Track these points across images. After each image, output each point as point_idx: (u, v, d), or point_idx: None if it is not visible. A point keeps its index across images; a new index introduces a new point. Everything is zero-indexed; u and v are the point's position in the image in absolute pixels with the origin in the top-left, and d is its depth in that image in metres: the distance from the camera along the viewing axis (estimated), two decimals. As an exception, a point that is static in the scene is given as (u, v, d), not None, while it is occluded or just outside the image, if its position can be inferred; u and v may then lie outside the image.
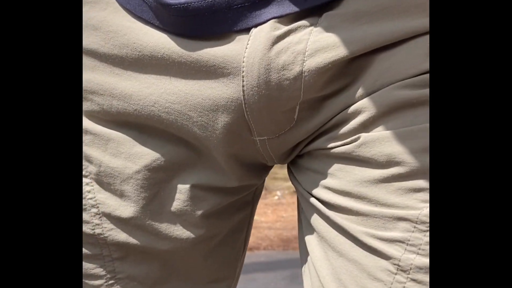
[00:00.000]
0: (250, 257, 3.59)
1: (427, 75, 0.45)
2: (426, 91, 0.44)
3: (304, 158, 0.52)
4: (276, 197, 4.50)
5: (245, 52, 0.45)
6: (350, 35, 0.44)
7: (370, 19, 0.44)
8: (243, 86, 0.46)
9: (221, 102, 0.47)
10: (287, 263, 3.02)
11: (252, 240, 3.91)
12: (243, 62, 0.45)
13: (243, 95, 0.46)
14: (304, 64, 0.44)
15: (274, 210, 4.22)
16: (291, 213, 4.16)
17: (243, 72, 0.45)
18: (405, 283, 0.44)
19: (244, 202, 0.58)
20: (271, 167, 0.56)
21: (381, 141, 0.44)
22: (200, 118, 0.48)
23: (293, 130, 0.49)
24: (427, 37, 0.45)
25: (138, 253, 0.54)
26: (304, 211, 0.52)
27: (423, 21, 0.45)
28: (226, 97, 0.47)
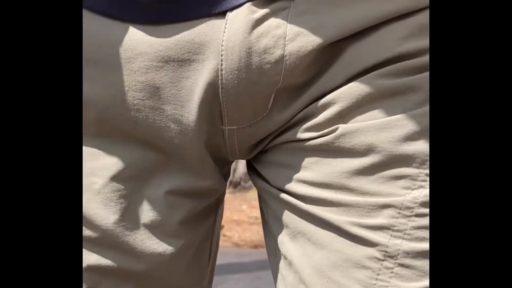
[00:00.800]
0: (254, 255, 3.59)
1: (404, 63, 0.45)
2: (403, 80, 0.44)
3: (273, 152, 0.50)
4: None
5: (223, 36, 0.44)
6: (326, 20, 0.44)
7: (345, 2, 0.44)
8: (221, 70, 0.45)
9: (196, 90, 0.46)
10: (292, 260, 3.01)
11: (256, 238, 3.91)
12: (222, 46, 0.44)
13: (221, 79, 0.45)
14: (286, 48, 0.44)
15: (278, 207, 4.22)
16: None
17: (222, 55, 0.45)
18: (393, 268, 0.44)
19: (210, 207, 0.55)
20: (230, 164, 0.54)
21: (362, 131, 0.44)
22: (174, 111, 0.47)
23: (265, 120, 0.48)
24: (402, 21, 0.45)
25: (111, 277, 0.50)
26: (274, 210, 0.50)
27: (396, 4, 0.45)
28: (201, 84, 0.46)
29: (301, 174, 0.47)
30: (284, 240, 0.49)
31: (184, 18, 0.45)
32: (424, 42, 0.45)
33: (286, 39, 0.44)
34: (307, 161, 0.47)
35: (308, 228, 0.47)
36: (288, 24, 0.44)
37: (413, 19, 0.45)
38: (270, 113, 0.47)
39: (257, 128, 0.48)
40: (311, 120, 0.46)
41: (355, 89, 0.45)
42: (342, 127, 0.45)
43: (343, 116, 0.45)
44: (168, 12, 0.45)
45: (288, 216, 0.48)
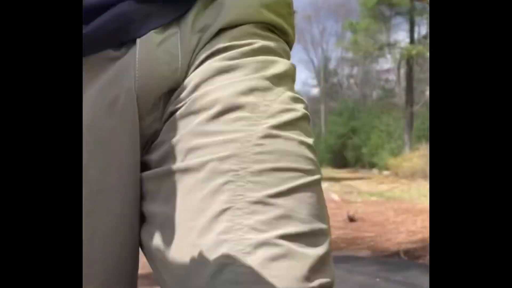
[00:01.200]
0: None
1: (230, 52, 0.62)
2: (231, 62, 0.62)
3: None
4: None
5: (137, 54, 0.61)
6: (195, 39, 0.63)
7: (206, 27, 0.64)
8: (135, 75, 0.60)
9: (121, 97, 0.60)
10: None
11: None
12: (137, 60, 0.61)
13: (135, 83, 0.60)
14: (179, 62, 0.62)
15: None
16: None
17: (137, 67, 0.61)
18: (244, 185, 0.56)
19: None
20: None
21: (209, 93, 0.60)
22: (108, 123, 0.59)
23: (156, 114, 0.63)
24: (229, 30, 0.63)
25: None
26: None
27: (230, 16, 0.63)
28: (124, 92, 0.60)
29: (172, 133, 0.61)
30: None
31: (100, 49, 0.60)
32: (237, 41, 0.63)
33: (180, 57, 0.63)
34: (173, 125, 0.61)
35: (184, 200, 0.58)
36: (179, 45, 0.63)
37: (233, 31, 0.64)
38: (158, 109, 0.63)
39: (153, 124, 0.62)
40: (179, 96, 0.62)
41: (202, 69, 0.62)
42: (194, 95, 0.61)
43: (195, 89, 0.61)
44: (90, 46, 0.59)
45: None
